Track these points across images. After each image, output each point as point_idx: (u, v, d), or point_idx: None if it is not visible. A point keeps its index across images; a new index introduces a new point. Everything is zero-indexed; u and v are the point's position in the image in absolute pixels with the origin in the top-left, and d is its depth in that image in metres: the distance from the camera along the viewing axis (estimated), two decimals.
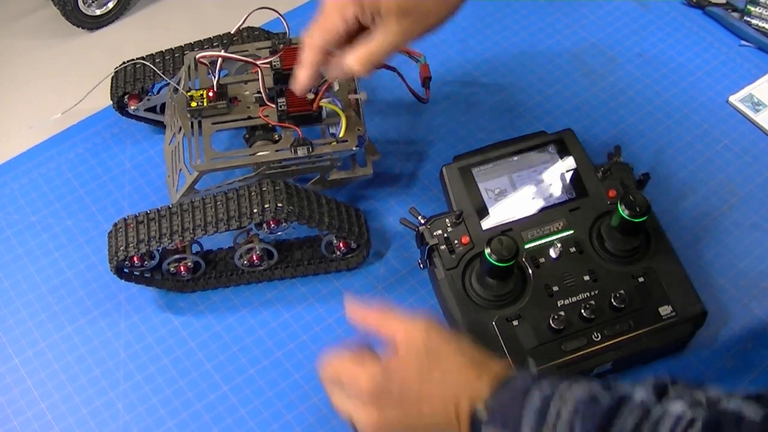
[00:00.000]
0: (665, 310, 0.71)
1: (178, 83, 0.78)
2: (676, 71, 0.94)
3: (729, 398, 0.50)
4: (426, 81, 0.83)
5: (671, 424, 0.50)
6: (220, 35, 0.83)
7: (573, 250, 0.73)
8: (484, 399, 0.56)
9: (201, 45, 0.83)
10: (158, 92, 0.85)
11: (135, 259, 0.72)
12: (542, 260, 0.73)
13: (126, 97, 0.83)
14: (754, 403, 0.49)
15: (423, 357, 0.59)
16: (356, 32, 0.64)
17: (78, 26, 0.98)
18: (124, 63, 0.83)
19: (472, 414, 0.56)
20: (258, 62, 0.75)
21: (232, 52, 0.79)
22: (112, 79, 0.83)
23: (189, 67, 0.79)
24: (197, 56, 0.77)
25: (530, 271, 0.72)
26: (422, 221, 0.75)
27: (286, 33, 0.77)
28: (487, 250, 0.66)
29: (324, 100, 0.75)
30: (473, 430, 0.57)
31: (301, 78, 0.67)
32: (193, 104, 0.76)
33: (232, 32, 0.79)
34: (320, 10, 0.64)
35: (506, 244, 0.66)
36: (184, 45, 0.83)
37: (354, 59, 0.64)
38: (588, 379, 0.56)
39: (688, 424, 0.49)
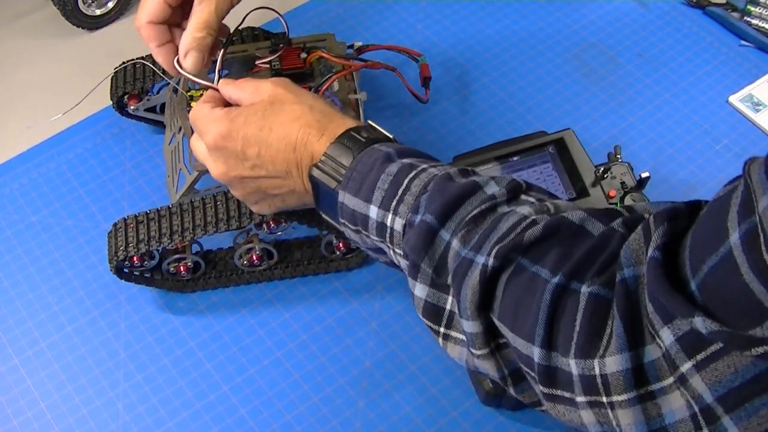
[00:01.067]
0: None
1: (178, 83, 0.78)
2: (676, 71, 0.94)
3: (575, 210, 0.51)
4: (426, 81, 0.83)
5: (514, 221, 0.50)
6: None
7: None
8: (323, 151, 0.58)
9: None
10: (158, 92, 0.85)
11: (135, 259, 0.72)
12: None
13: (126, 97, 0.83)
14: (597, 220, 0.50)
15: (267, 106, 0.61)
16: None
17: (78, 26, 0.98)
18: (124, 63, 0.83)
19: (310, 168, 0.59)
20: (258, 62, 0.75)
21: (231, 53, 0.79)
22: (112, 79, 0.83)
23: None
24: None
25: None
26: None
27: (285, 33, 0.77)
28: None
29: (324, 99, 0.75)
30: (312, 183, 0.59)
31: (157, 57, 0.68)
32: (193, 104, 0.76)
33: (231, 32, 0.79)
34: None
35: None
36: None
37: (193, 32, 0.65)
38: (450, 165, 0.57)
39: (530, 224, 0.50)
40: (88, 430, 0.71)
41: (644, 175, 0.76)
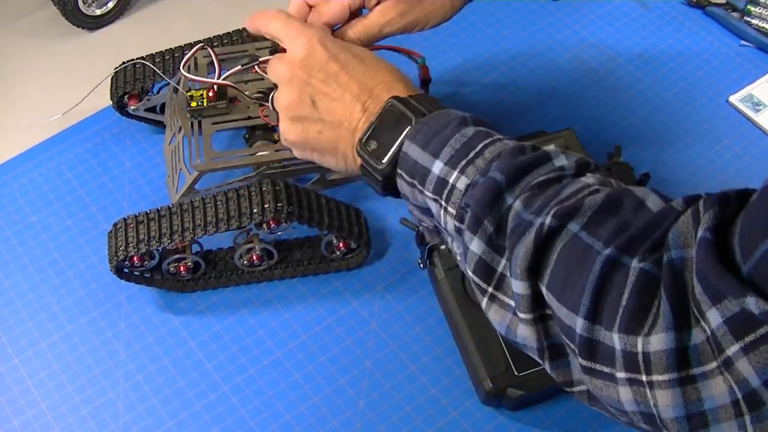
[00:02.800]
0: None
1: (178, 83, 0.78)
2: (676, 71, 0.94)
3: (639, 188, 0.51)
4: (425, 83, 0.83)
5: (577, 187, 0.50)
6: (220, 35, 0.83)
7: None
8: (406, 97, 0.58)
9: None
10: (158, 92, 0.85)
11: (135, 259, 0.72)
12: None
13: (126, 97, 0.83)
14: (657, 197, 0.50)
15: (349, 48, 0.62)
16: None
17: (78, 26, 0.98)
18: (124, 63, 0.83)
19: (386, 102, 0.58)
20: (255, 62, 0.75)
21: (228, 53, 0.79)
22: (112, 79, 0.83)
23: (189, 67, 0.79)
24: (181, 67, 0.75)
25: None
26: None
27: None
28: None
29: None
30: (376, 126, 0.58)
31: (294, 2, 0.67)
32: (193, 104, 0.76)
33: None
34: None
35: None
36: (184, 45, 0.83)
37: (353, 33, 0.66)
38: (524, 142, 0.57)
39: (592, 192, 0.50)
40: (88, 430, 0.71)
41: (644, 175, 0.76)
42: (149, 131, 0.89)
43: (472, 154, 0.54)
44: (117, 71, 0.83)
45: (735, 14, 0.97)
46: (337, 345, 0.75)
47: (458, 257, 0.56)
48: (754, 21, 0.95)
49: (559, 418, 0.71)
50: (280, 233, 0.75)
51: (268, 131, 0.78)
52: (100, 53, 0.97)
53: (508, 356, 0.69)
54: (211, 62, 0.77)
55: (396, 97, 0.58)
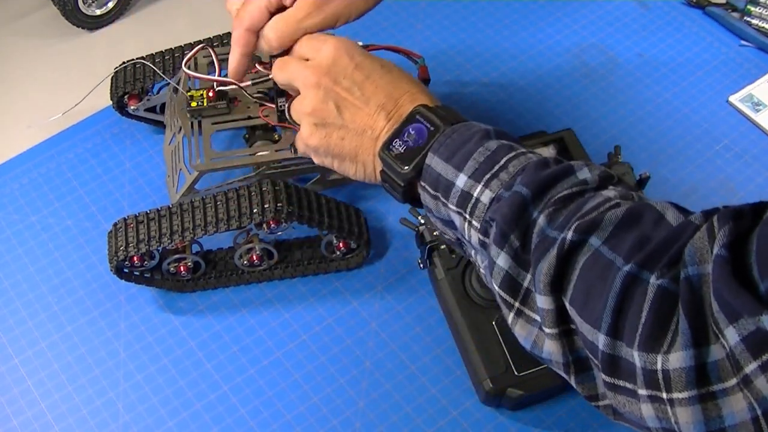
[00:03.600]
0: None
1: (178, 83, 0.78)
2: (676, 71, 0.94)
3: (660, 201, 0.52)
4: (425, 83, 0.83)
5: (598, 201, 0.51)
6: (220, 35, 0.83)
7: None
8: (431, 107, 0.58)
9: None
10: (158, 92, 0.85)
11: (135, 259, 0.72)
12: None
13: (126, 97, 0.83)
14: (677, 211, 0.50)
15: (375, 59, 0.62)
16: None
17: (78, 26, 0.98)
18: (124, 63, 0.83)
19: (411, 111, 0.59)
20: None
21: (228, 52, 0.79)
22: (112, 79, 0.83)
23: (189, 67, 0.79)
24: (184, 65, 0.76)
25: None
26: (422, 221, 0.75)
27: None
28: None
29: None
30: (399, 134, 0.58)
31: (232, 60, 0.68)
32: (193, 104, 0.76)
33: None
34: None
35: None
36: (184, 45, 0.83)
37: (272, 31, 0.65)
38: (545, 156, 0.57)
39: (613, 206, 0.50)
40: (88, 430, 0.71)
41: (644, 175, 0.76)
42: (149, 131, 0.89)
43: (496, 168, 0.54)
44: (117, 71, 0.83)
45: (735, 14, 0.97)
46: (337, 345, 0.75)
47: (482, 270, 0.56)
48: (754, 21, 0.95)
49: (559, 418, 0.71)
50: (280, 233, 0.75)
51: (268, 131, 0.78)
52: (100, 53, 0.97)
53: (508, 356, 0.69)
54: (211, 62, 0.77)
55: (423, 106, 0.59)
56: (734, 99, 0.91)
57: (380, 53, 0.82)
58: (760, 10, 0.95)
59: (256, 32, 0.66)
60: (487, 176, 0.54)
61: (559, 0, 1.00)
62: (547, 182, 0.52)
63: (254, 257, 0.76)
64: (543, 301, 0.50)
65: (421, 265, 0.76)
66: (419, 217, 0.75)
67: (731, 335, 0.41)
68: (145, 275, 0.75)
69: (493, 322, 0.70)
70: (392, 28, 0.98)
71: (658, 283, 0.45)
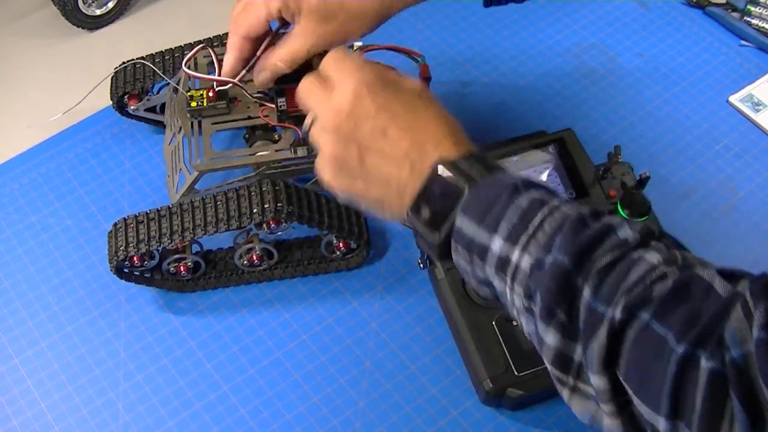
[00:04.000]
0: None
1: (178, 83, 0.78)
2: (676, 71, 0.94)
3: (704, 267, 0.50)
4: (425, 81, 0.83)
5: (643, 270, 0.49)
6: (219, 35, 0.83)
7: None
8: (454, 156, 0.54)
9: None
10: (158, 92, 0.85)
11: (135, 259, 0.72)
12: None
13: (126, 97, 0.83)
14: (724, 279, 0.49)
15: (418, 93, 0.58)
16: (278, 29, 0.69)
17: (78, 26, 0.98)
18: (124, 63, 0.83)
19: (434, 168, 0.54)
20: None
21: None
22: (112, 79, 0.83)
23: (189, 67, 0.79)
24: (184, 65, 0.76)
25: None
26: None
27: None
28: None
29: None
30: (426, 182, 0.55)
31: (226, 63, 0.70)
32: (193, 104, 0.76)
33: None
34: (249, 2, 0.67)
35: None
36: (184, 45, 0.83)
37: (278, 59, 0.68)
38: (577, 203, 0.55)
39: (659, 277, 0.49)
40: (88, 430, 0.71)
41: (644, 175, 0.76)
42: (149, 131, 0.89)
43: (531, 229, 0.52)
44: (117, 71, 0.83)
45: (735, 14, 0.97)
46: (337, 345, 0.75)
47: (526, 332, 0.54)
48: (754, 21, 0.95)
49: (559, 418, 0.71)
50: (280, 233, 0.75)
51: (268, 131, 0.78)
52: (100, 53, 0.97)
53: (508, 356, 0.69)
54: (211, 62, 0.77)
55: (444, 162, 0.54)
56: (734, 99, 0.91)
57: (382, 53, 0.82)
58: (760, 10, 0.95)
59: (252, 40, 0.69)
60: (523, 238, 0.52)
61: (559, 0, 1.00)
62: (588, 246, 0.50)
63: (254, 257, 0.76)
64: (597, 381, 0.49)
65: (421, 265, 0.76)
66: None
67: None
68: (145, 275, 0.75)
69: (493, 322, 0.70)
70: (392, 28, 0.97)
71: (708, 367, 0.45)
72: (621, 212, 0.69)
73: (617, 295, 0.49)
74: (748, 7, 0.96)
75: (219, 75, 0.73)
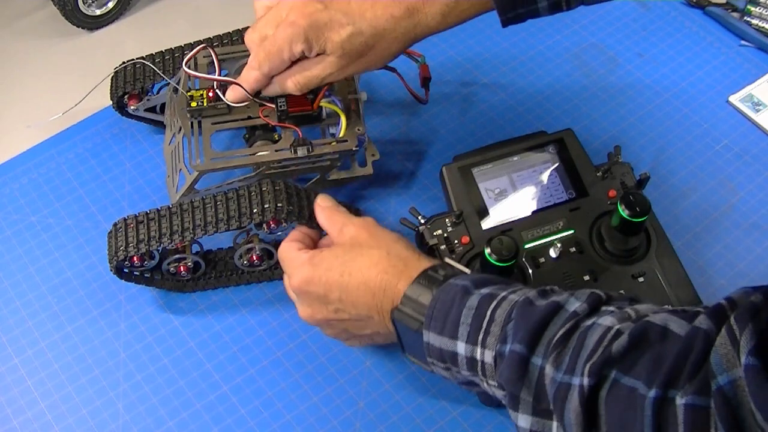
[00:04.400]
0: None
1: (178, 83, 0.78)
2: (676, 71, 0.94)
3: (656, 313, 0.51)
4: (425, 81, 0.83)
5: (599, 334, 0.51)
6: (220, 35, 0.83)
7: (573, 250, 0.73)
8: (401, 295, 0.60)
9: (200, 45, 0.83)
10: (158, 92, 0.85)
11: (135, 259, 0.72)
12: (542, 260, 0.73)
13: (126, 97, 0.83)
14: (680, 318, 0.50)
15: (347, 249, 0.64)
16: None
17: (78, 26, 0.98)
18: (124, 63, 0.83)
19: (392, 311, 0.61)
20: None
21: (228, 52, 0.79)
22: (111, 79, 0.83)
23: (189, 67, 0.79)
24: (184, 65, 0.76)
25: (530, 271, 0.72)
26: (422, 221, 0.75)
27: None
28: (487, 250, 0.66)
29: (324, 100, 0.75)
30: (394, 326, 0.61)
31: (238, 95, 0.73)
32: (193, 104, 0.76)
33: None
34: (272, 36, 0.68)
35: (506, 244, 0.66)
36: (184, 45, 0.83)
37: (292, 83, 0.70)
38: (528, 286, 0.58)
39: (614, 335, 0.50)
40: (88, 430, 0.71)
41: (644, 175, 0.76)
42: (149, 131, 0.89)
43: (485, 325, 0.55)
44: (117, 71, 0.83)
45: (735, 14, 0.97)
46: (337, 345, 0.75)
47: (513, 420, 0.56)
48: (754, 21, 0.95)
49: None
50: (280, 233, 0.75)
51: (268, 131, 0.78)
52: (100, 53, 0.97)
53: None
54: (211, 62, 0.77)
55: (396, 309, 0.61)
56: (734, 99, 0.91)
57: None
58: (760, 10, 0.95)
59: (271, 77, 0.71)
60: (481, 336, 0.55)
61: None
62: (539, 326, 0.53)
63: (254, 257, 0.76)
64: None
65: None
66: (419, 217, 0.75)
67: None
68: (145, 275, 0.75)
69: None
70: None
71: (683, 402, 0.45)
72: (621, 212, 0.69)
73: (579, 362, 0.50)
74: (748, 7, 0.96)
75: (220, 74, 0.73)
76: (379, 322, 0.63)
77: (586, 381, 0.49)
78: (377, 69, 0.71)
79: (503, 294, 0.57)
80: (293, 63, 0.69)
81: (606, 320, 0.52)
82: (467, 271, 0.63)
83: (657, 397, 0.47)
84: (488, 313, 0.56)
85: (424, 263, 0.62)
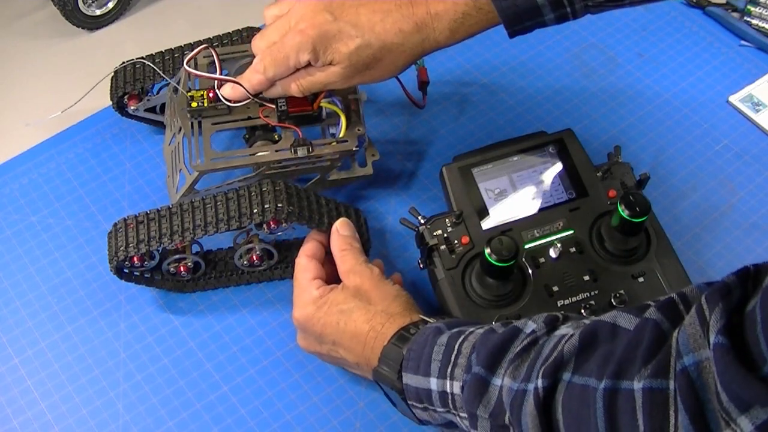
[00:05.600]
0: None
1: (179, 83, 0.78)
2: (676, 71, 0.94)
3: (607, 313, 0.52)
4: (423, 85, 0.83)
5: (554, 342, 0.52)
6: (220, 35, 0.83)
7: (573, 250, 0.73)
8: (386, 346, 0.63)
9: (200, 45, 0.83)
10: (158, 92, 0.85)
11: (135, 259, 0.72)
12: (542, 260, 0.73)
13: (126, 97, 0.83)
14: (628, 314, 0.50)
15: (348, 298, 0.67)
16: None
17: (78, 26, 0.98)
18: (124, 63, 0.83)
19: (373, 371, 0.64)
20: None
21: (229, 52, 0.79)
22: (111, 79, 0.83)
23: (190, 66, 0.79)
24: (185, 64, 0.76)
25: (530, 271, 0.72)
26: (422, 221, 0.75)
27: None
28: (487, 250, 0.66)
29: (324, 100, 0.75)
30: (378, 383, 0.65)
31: (238, 94, 0.73)
32: (194, 104, 0.76)
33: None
34: (279, 43, 0.68)
35: (506, 244, 0.66)
36: (184, 45, 0.83)
37: (296, 86, 0.71)
38: (494, 323, 0.60)
39: (567, 339, 0.51)
40: (88, 430, 0.71)
41: (644, 175, 0.76)
42: (149, 131, 0.89)
43: (453, 357, 0.58)
44: (117, 71, 0.83)
45: (735, 14, 0.97)
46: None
47: None
48: (754, 21, 0.95)
49: None
50: (280, 233, 0.75)
51: (268, 131, 0.78)
52: (100, 53, 0.97)
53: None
54: (212, 62, 0.77)
55: (376, 371, 0.64)
56: (734, 99, 0.91)
57: None
58: (760, 10, 0.95)
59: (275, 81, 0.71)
60: (449, 369, 0.57)
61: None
62: (497, 349, 0.55)
63: (254, 257, 0.76)
64: None
65: (421, 265, 0.76)
66: (419, 217, 0.75)
67: (745, 424, 0.41)
68: (145, 275, 0.75)
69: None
70: None
71: (641, 386, 0.45)
72: (621, 212, 0.69)
73: (534, 369, 0.51)
74: (748, 7, 0.96)
75: (221, 74, 0.73)
76: (366, 371, 0.66)
77: (540, 383, 0.50)
78: (382, 81, 0.71)
79: (471, 329, 0.59)
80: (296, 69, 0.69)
81: (562, 330, 0.54)
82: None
83: (607, 387, 0.47)
84: (456, 347, 0.58)
85: (404, 320, 0.65)
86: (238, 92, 0.73)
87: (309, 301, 0.68)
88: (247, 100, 0.74)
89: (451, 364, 0.58)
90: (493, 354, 0.55)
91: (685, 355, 0.44)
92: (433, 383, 0.59)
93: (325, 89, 0.71)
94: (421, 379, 0.59)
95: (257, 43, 0.70)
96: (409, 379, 0.60)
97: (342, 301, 0.67)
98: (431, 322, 0.64)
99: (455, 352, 0.58)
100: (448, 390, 0.58)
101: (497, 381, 0.54)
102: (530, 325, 0.56)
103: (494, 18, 0.66)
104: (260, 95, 0.75)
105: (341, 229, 0.72)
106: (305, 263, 0.71)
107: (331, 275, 0.71)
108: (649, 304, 0.50)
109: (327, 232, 0.74)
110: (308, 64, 0.68)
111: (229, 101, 0.74)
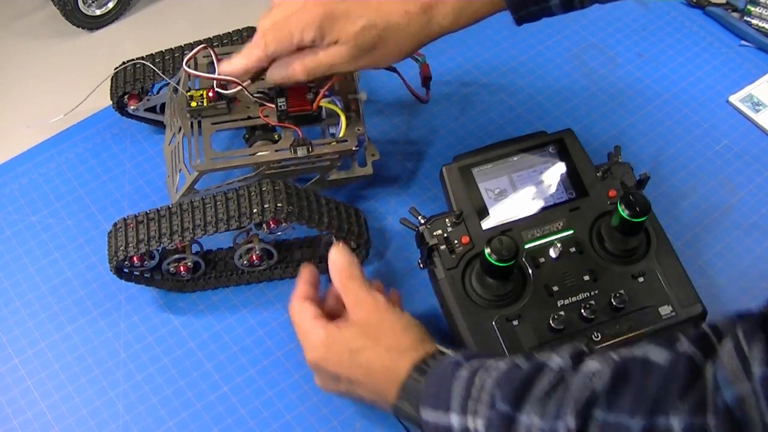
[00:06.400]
0: (665, 310, 0.71)
1: (178, 83, 0.78)
2: (676, 71, 0.94)
3: (638, 346, 0.51)
4: (426, 81, 0.83)
5: (583, 379, 0.51)
6: (220, 35, 0.83)
7: (573, 250, 0.73)
8: (402, 382, 0.61)
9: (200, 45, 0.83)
10: (158, 92, 0.85)
11: (135, 259, 0.72)
12: (542, 260, 0.73)
13: (126, 97, 0.83)
14: (659, 346, 0.50)
15: (356, 336, 0.65)
16: None
17: (78, 26, 0.98)
18: (124, 63, 0.83)
19: (393, 407, 0.63)
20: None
21: (228, 52, 0.79)
22: (111, 79, 0.83)
23: (189, 67, 0.79)
24: (184, 64, 0.76)
25: (530, 271, 0.72)
26: (422, 221, 0.75)
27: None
28: (487, 250, 0.66)
29: (324, 100, 0.75)
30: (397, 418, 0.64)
31: (238, 64, 0.70)
32: (193, 104, 0.76)
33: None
34: (284, 20, 0.66)
35: (506, 244, 0.66)
36: (184, 45, 0.83)
37: (301, 66, 0.68)
38: (515, 355, 0.59)
39: (596, 376, 0.51)
40: (88, 430, 0.71)
41: (644, 175, 0.76)
42: (149, 131, 0.89)
43: (475, 393, 0.56)
44: (117, 71, 0.83)
45: (735, 14, 0.97)
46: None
47: None
48: (754, 21, 0.95)
49: None
50: (280, 233, 0.75)
51: (268, 131, 0.78)
52: (100, 53, 0.97)
53: (508, 356, 0.69)
54: (211, 62, 0.77)
55: (394, 406, 0.62)
56: (734, 99, 0.91)
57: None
58: (760, 10, 0.95)
59: (275, 58, 0.69)
60: (471, 405, 0.56)
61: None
62: (523, 385, 0.54)
63: (254, 257, 0.76)
64: None
65: (421, 265, 0.76)
66: (419, 217, 0.75)
67: None
68: (145, 275, 0.75)
69: (493, 322, 0.70)
70: None
71: (681, 425, 0.45)
72: (621, 212, 0.69)
73: (564, 407, 0.50)
74: (748, 7, 0.96)
75: (218, 71, 0.73)
76: (385, 407, 0.64)
77: (572, 422, 0.49)
78: (385, 66, 0.70)
79: (491, 362, 0.58)
80: (299, 49, 0.68)
81: (590, 366, 0.52)
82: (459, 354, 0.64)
83: (645, 426, 0.46)
84: (477, 381, 0.57)
85: (420, 354, 0.63)
86: (234, 66, 0.70)
87: (318, 343, 0.66)
88: (244, 83, 0.72)
89: (473, 399, 0.56)
90: (518, 390, 0.53)
91: (725, 390, 0.44)
92: (454, 419, 0.57)
93: (329, 72, 0.69)
94: (441, 414, 0.58)
95: (263, 23, 0.68)
96: (428, 415, 0.59)
97: (351, 339, 0.65)
98: (448, 353, 0.62)
99: (478, 388, 0.56)
100: (471, 427, 0.56)
101: (524, 418, 0.53)
102: (555, 360, 0.55)
103: (498, 2, 0.66)
104: (260, 95, 0.75)
105: (338, 258, 0.68)
106: (299, 306, 0.68)
107: (332, 308, 0.69)
108: (679, 335, 0.50)
109: (318, 264, 0.74)
110: (311, 46, 0.67)
111: (225, 91, 0.73)
